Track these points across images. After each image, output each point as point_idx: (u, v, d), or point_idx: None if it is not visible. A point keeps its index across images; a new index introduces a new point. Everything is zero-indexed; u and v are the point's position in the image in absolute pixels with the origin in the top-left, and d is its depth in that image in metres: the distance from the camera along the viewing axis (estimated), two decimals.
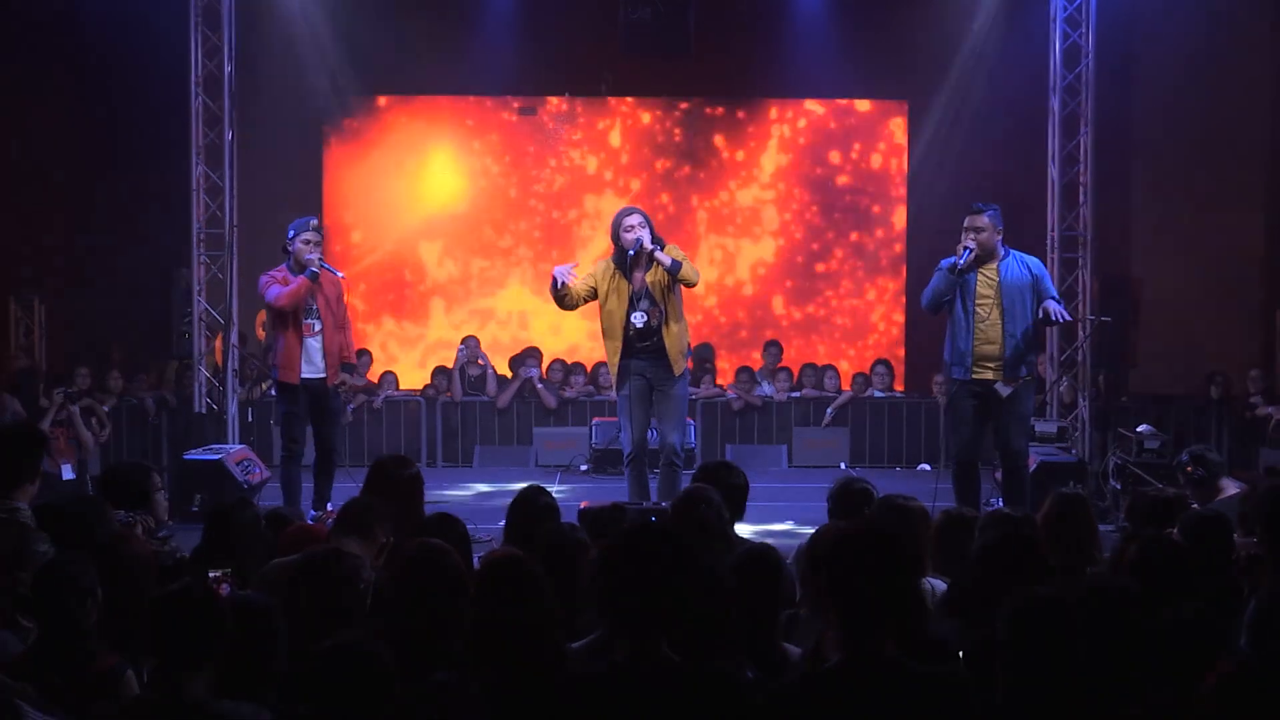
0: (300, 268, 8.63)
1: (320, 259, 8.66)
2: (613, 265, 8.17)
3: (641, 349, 8.16)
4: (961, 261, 7.80)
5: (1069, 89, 11.23)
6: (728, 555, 4.39)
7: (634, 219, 8.11)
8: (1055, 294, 8.09)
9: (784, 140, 14.03)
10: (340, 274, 8.92)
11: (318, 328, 8.68)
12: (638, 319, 8.11)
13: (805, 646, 3.84)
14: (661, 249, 8.08)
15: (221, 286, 11.04)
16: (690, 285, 8.16)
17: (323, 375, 8.72)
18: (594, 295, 8.22)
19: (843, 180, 14.05)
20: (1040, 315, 7.91)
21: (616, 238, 8.15)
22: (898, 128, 14.01)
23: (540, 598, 3.58)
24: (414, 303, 14.05)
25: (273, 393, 12.36)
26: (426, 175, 13.96)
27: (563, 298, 8.20)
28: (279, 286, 8.59)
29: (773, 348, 13.30)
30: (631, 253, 8.04)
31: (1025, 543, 4.21)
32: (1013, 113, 12.68)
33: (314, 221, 8.82)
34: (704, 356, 12.87)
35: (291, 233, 8.72)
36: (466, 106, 13.98)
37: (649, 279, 8.10)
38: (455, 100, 13.97)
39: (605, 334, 8.27)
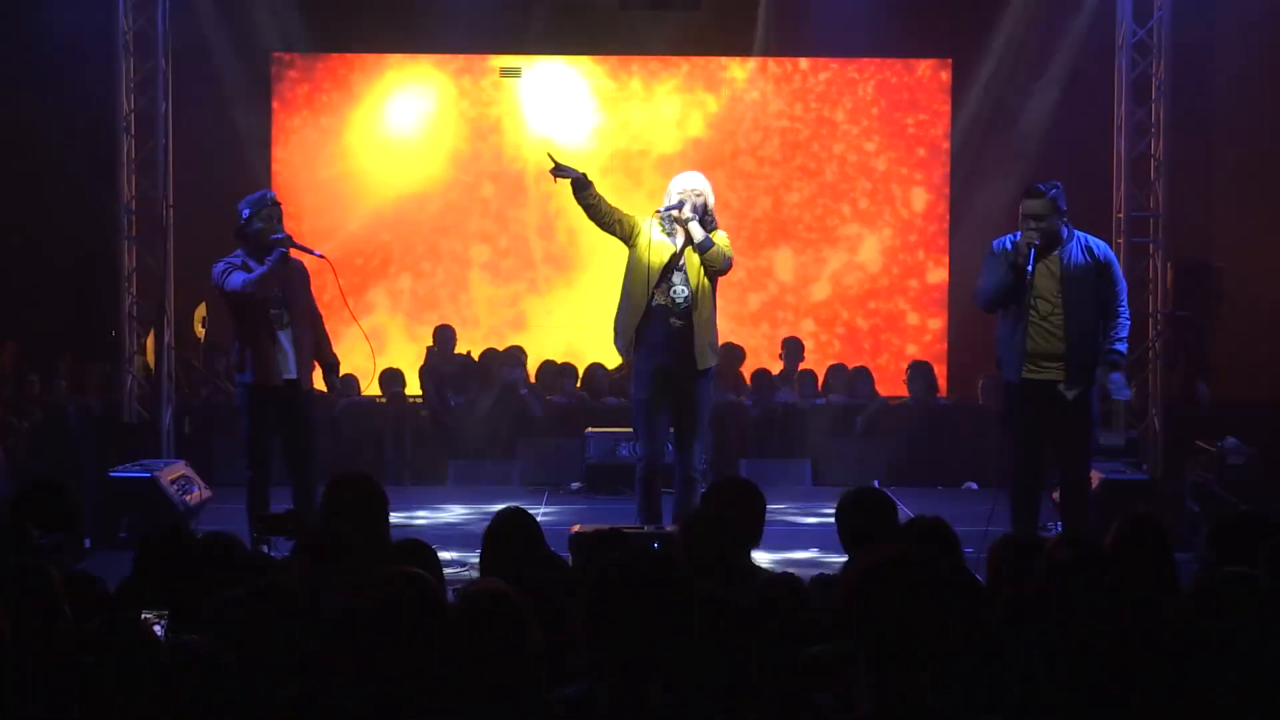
0: (264, 250, 8.30)
1: (289, 236, 8.35)
2: (656, 222, 8.32)
3: (668, 333, 8.24)
4: (1030, 267, 7.77)
5: (1139, 47, 11.23)
6: (744, 587, 4.39)
7: (692, 181, 8.31)
8: (1123, 290, 8.06)
9: (807, 105, 14.01)
10: (318, 252, 8.56)
11: (286, 319, 8.44)
12: (676, 293, 8.23)
13: (834, 692, 3.84)
14: (705, 229, 8.23)
15: (155, 275, 11.05)
16: (716, 270, 8.28)
17: (296, 377, 8.46)
18: (626, 235, 8.33)
19: (875, 151, 14.03)
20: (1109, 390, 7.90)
21: (668, 197, 8.34)
22: (940, 91, 14.00)
23: (523, 638, 3.58)
24: (379, 293, 14.05)
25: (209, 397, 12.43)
26: (395, 147, 13.95)
27: (590, 204, 8.28)
28: (241, 273, 8.28)
29: (791, 344, 13.27)
30: (665, 210, 8.20)
31: (1091, 576, 4.20)
32: (1075, 74, 12.68)
33: (270, 195, 8.53)
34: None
35: (246, 211, 8.35)
36: (441, 68, 13.97)
37: (688, 252, 8.26)
38: (428, 60, 13.96)
39: (623, 297, 8.38)
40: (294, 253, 8.44)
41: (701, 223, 8.24)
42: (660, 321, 8.25)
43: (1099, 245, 8.05)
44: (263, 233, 8.29)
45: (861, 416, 12.61)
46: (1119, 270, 8.16)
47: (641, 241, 8.31)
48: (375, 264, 14.05)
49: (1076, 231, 8.00)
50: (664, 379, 8.31)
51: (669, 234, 8.28)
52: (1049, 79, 12.99)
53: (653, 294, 8.24)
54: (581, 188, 8.30)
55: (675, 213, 8.19)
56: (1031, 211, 7.84)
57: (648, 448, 8.35)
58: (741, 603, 3.98)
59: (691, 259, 8.25)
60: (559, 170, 8.32)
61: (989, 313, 8.15)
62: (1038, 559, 4.76)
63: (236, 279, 8.28)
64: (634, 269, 8.34)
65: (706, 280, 8.27)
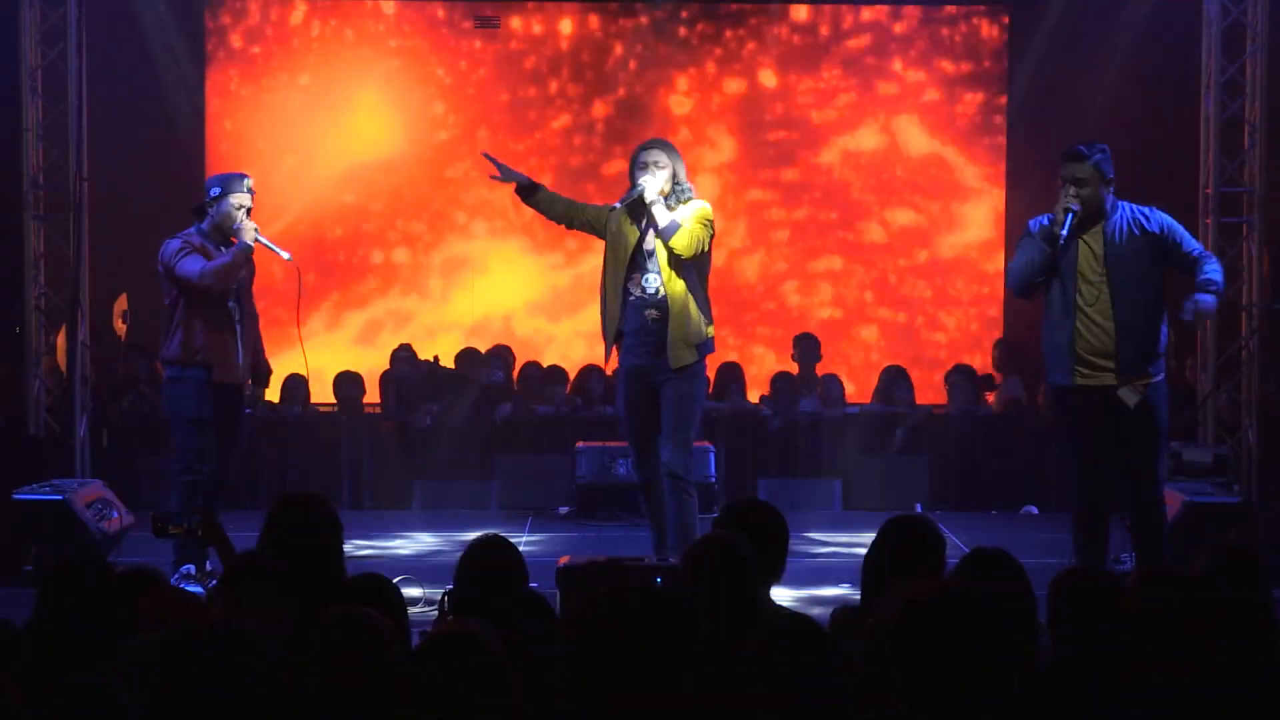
0: (225, 236, 8.81)
1: (256, 230, 8.79)
2: (622, 208, 8.52)
3: (644, 328, 8.46)
4: (1065, 231, 7.80)
5: None
6: (758, 629, 4.38)
7: (653, 154, 8.50)
8: (1196, 246, 8.04)
9: (837, 60, 14.01)
10: (288, 255, 9.04)
11: (238, 315, 8.94)
12: (649, 282, 8.44)
13: None
14: (678, 203, 8.39)
15: (66, 261, 11.03)
16: (684, 258, 8.41)
17: (239, 380, 8.97)
18: (596, 228, 8.62)
19: (917, 114, 14.03)
20: (1187, 313, 7.88)
21: (631, 175, 8.55)
22: (994, 44, 14.00)
23: (499, 689, 3.57)
24: (335, 285, 14.04)
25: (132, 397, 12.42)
26: (351, 110, 13.94)
27: (542, 209, 8.67)
28: (199, 258, 8.71)
29: (805, 343, 13.24)
30: (621, 202, 8.45)
31: (1185, 616, 4.18)
32: (1153, 23, 12.65)
33: (248, 181, 8.94)
34: (729, 376, 12.82)
35: (216, 189, 8.84)
36: (404, 17, 13.98)
37: (656, 237, 8.47)
38: (390, 7, 13.96)
39: (601, 294, 8.66)
40: (260, 248, 8.86)
41: (672, 195, 8.43)
42: (637, 315, 8.50)
43: (1152, 214, 8.04)
44: (230, 217, 8.75)
45: (901, 428, 12.60)
46: (1180, 229, 8.10)
47: (611, 230, 8.54)
48: (328, 249, 14.04)
49: (1122, 203, 8.02)
50: (640, 381, 8.56)
51: (634, 218, 8.47)
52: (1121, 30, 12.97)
53: (626, 286, 8.48)
54: (527, 194, 8.63)
55: (635, 197, 8.39)
56: (1072, 175, 7.89)
57: (636, 461, 8.69)
58: (751, 649, 3.96)
59: (661, 244, 8.43)
60: (503, 174, 8.64)
61: (1021, 296, 8.34)
62: (1108, 597, 4.75)
63: (193, 264, 8.69)
64: (607, 261, 8.60)
65: (680, 267, 8.41)
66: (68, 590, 4.90)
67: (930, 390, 13.32)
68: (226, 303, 8.83)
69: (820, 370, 13.10)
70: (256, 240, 8.78)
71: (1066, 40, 13.34)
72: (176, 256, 8.71)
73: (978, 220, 14.08)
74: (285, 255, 9.02)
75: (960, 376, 12.89)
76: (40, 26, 11.03)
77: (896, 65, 13.97)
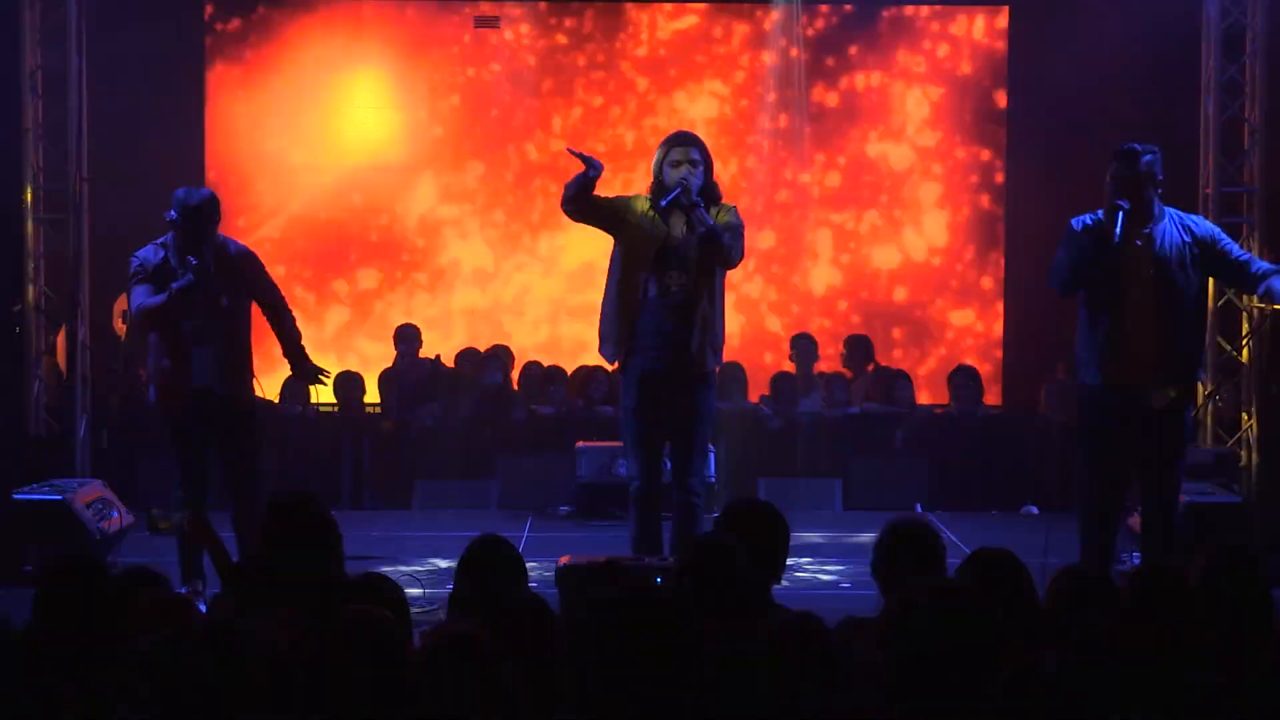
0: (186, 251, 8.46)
1: (197, 264, 8.37)
2: (647, 204, 8.27)
3: (662, 330, 8.21)
4: (1119, 231, 7.75)
5: None
6: (758, 629, 4.37)
7: (689, 150, 8.24)
8: (1244, 252, 8.11)
9: (837, 57, 14.01)
10: (226, 301, 8.53)
11: (210, 331, 8.58)
12: (673, 280, 8.19)
13: None
14: (708, 205, 8.18)
15: (66, 261, 11.04)
16: (725, 265, 8.26)
17: (222, 393, 8.64)
18: (611, 224, 8.30)
19: (918, 110, 14.02)
20: (1263, 294, 7.92)
21: (659, 170, 8.27)
22: (994, 41, 13.99)
23: (499, 688, 3.57)
24: (332, 284, 14.03)
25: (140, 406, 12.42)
26: (350, 110, 13.93)
27: (582, 201, 8.16)
28: (145, 290, 8.43)
29: (802, 342, 13.24)
30: (665, 201, 8.14)
31: (1179, 616, 4.19)
32: (1153, 22, 12.65)
33: (204, 208, 8.44)
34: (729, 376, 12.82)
35: (172, 214, 8.47)
36: (402, 16, 13.97)
37: (686, 233, 8.19)
38: (389, 7, 13.97)
39: (609, 293, 8.35)
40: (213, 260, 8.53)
41: (703, 194, 8.18)
42: (655, 316, 8.23)
43: (1198, 222, 8.05)
44: (182, 250, 8.41)
45: (901, 429, 12.60)
46: (1227, 237, 8.16)
47: (631, 224, 8.26)
48: (328, 248, 14.03)
49: (1168, 209, 7.99)
50: (658, 385, 8.29)
51: (665, 212, 8.20)
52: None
53: (646, 284, 8.22)
54: (588, 187, 8.17)
55: (686, 201, 8.11)
56: (1122, 175, 7.82)
57: (642, 466, 8.35)
58: (753, 648, 3.96)
59: (692, 242, 8.19)
60: (591, 167, 8.15)
61: (1065, 294, 8.13)
62: (1108, 596, 4.75)
63: (135, 297, 8.50)
64: (624, 257, 8.29)
65: (710, 269, 8.22)
66: (65, 592, 4.90)
67: (931, 390, 13.34)
68: (178, 326, 8.47)
69: (818, 370, 13.13)
70: (190, 281, 8.35)
71: (1066, 40, 13.33)
72: (130, 281, 8.52)
73: (976, 220, 14.08)
74: (224, 302, 8.51)
75: (963, 377, 12.91)
76: (40, 26, 11.03)
77: (892, 62, 13.98)
